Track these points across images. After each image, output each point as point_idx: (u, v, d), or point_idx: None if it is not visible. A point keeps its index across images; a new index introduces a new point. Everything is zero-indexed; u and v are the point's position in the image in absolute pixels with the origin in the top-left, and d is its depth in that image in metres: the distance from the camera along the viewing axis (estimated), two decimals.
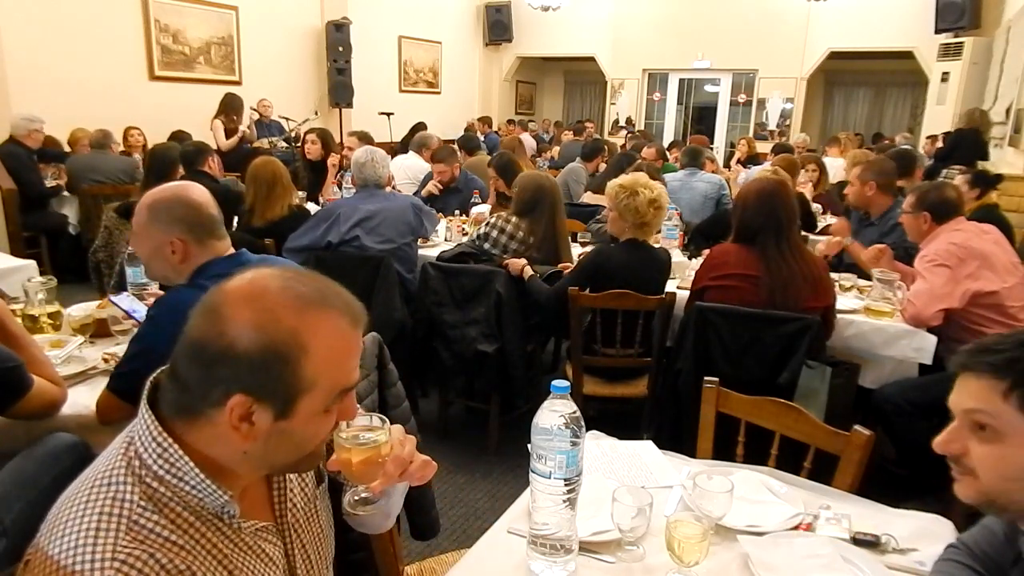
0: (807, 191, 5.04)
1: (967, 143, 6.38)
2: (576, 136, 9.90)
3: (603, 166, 5.99)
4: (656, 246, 2.95)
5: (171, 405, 0.84)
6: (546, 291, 2.88)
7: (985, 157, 6.54)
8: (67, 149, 5.99)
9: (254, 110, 7.52)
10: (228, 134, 7.05)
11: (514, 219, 3.18)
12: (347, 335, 0.86)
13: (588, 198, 4.88)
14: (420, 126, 8.97)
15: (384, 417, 1.02)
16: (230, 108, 7.05)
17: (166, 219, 1.64)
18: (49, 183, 5.51)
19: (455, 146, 5.62)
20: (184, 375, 0.82)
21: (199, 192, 1.70)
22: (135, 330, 1.84)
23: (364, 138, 5.36)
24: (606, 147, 6.31)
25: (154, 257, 1.68)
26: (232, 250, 1.73)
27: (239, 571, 0.87)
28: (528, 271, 2.96)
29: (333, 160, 5.01)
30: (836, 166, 6.61)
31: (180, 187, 1.70)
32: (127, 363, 1.63)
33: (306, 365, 0.81)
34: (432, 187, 4.68)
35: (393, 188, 4.27)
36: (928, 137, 8.22)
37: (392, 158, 4.72)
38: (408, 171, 5.35)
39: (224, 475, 0.85)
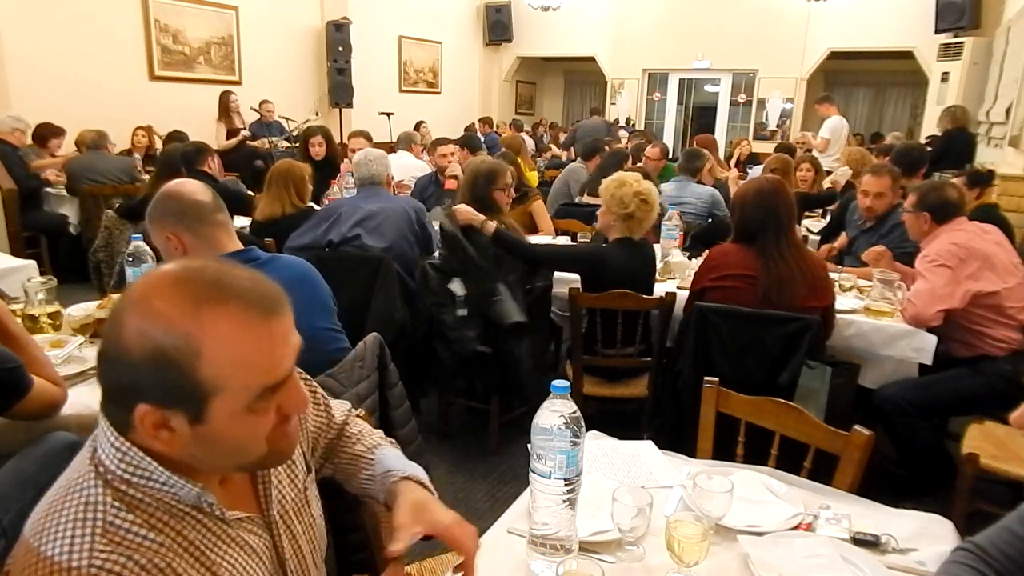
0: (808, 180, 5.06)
1: (958, 144, 6.35)
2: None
3: None
4: (638, 239, 2.87)
5: (106, 416, 0.81)
6: (524, 244, 2.87)
7: (972, 156, 6.52)
8: (74, 149, 6.00)
9: (254, 110, 7.53)
10: (230, 135, 7.07)
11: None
12: (255, 329, 0.77)
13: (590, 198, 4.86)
14: (416, 127, 8.98)
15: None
16: (223, 107, 7.08)
17: (157, 216, 1.66)
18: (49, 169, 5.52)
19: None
20: (104, 384, 0.80)
21: (187, 184, 1.72)
22: None
23: (368, 139, 5.39)
24: (606, 147, 6.30)
25: (167, 259, 1.70)
26: (240, 246, 1.73)
27: (219, 565, 0.84)
28: (491, 224, 2.85)
29: (347, 167, 5.06)
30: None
31: (170, 183, 1.72)
32: None
33: (203, 368, 0.75)
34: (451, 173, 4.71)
35: (395, 189, 4.27)
36: (925, 140, 8.21)
37: None
38: (404, 170, 5.36)
39: (190, 472, 0.82)
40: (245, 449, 0.82)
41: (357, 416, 1.25)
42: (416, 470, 1.11)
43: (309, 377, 1.13)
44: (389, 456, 1.14)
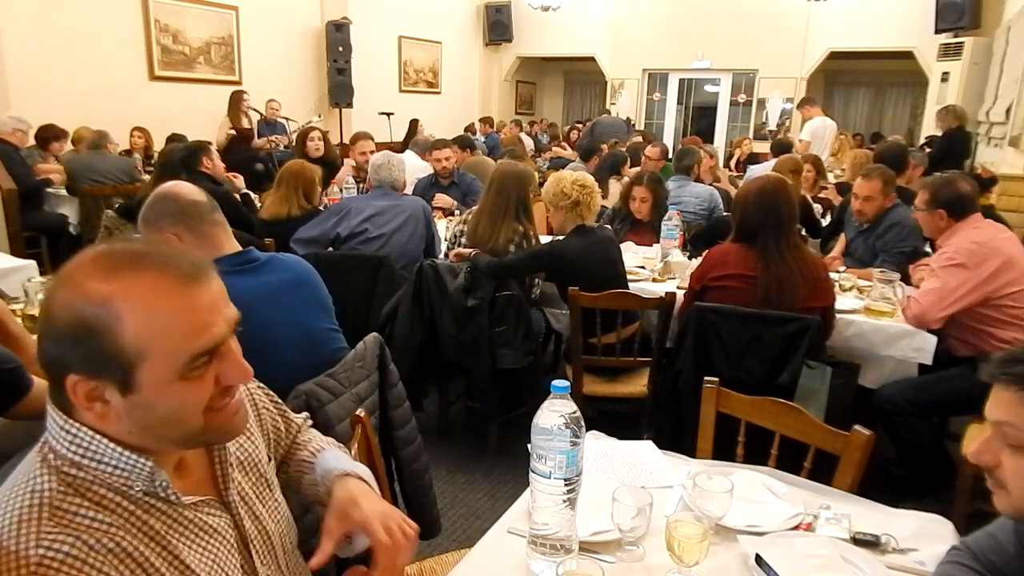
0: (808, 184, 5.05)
1: (959, 143, 6.34)
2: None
3: None
4: (592, 225, 2.96)
5: (51, 399, 0.82)
6: (493, 262, 2.89)
7: (968, 154, 6.52)
8: (71, 147, 6.00)
9: (255, 111, 7.51)
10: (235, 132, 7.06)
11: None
12: (173, 294, 0.78)
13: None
14: (413, 124, 8.95)
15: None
16: (233, 105, 7.09)
17: (153, 217, 1.65)
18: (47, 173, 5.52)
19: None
20: (41, 363, 0.81)
21: (182, 185, 1.72)
22: None
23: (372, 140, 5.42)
24: (604, 147, 6.32)
25: None
26: (238, 247, 1.73)
27: (178, 548, 0.84)
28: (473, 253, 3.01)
29: (348, 169, 5.07)
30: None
31: (163, 185, 1.71)
32: None
33: (124, 334, 0.76)
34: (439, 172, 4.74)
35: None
36: (924, 141, 8.19)
37: None
38: (408, 170, 5.37)
39: (142, 452, 0.82)
40: (181, 420, 0.81)
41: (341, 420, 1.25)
42: (358, 468, 1.10)
43: (264, 385, 1.13)
44: (329, 457, 1.12)
